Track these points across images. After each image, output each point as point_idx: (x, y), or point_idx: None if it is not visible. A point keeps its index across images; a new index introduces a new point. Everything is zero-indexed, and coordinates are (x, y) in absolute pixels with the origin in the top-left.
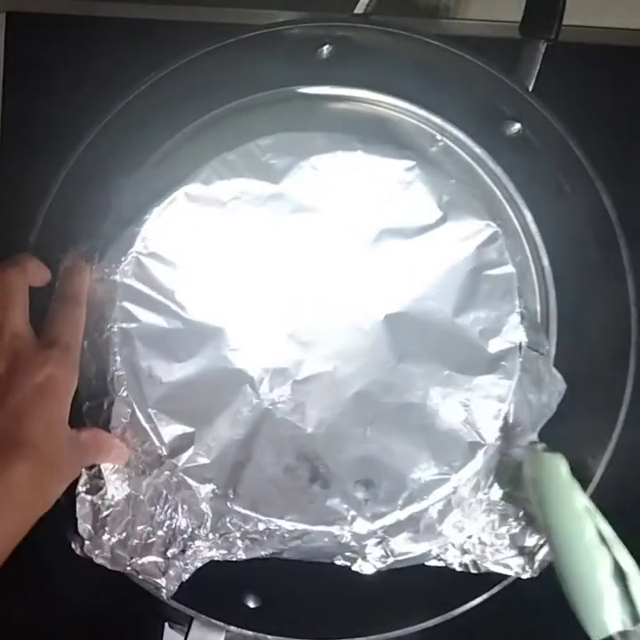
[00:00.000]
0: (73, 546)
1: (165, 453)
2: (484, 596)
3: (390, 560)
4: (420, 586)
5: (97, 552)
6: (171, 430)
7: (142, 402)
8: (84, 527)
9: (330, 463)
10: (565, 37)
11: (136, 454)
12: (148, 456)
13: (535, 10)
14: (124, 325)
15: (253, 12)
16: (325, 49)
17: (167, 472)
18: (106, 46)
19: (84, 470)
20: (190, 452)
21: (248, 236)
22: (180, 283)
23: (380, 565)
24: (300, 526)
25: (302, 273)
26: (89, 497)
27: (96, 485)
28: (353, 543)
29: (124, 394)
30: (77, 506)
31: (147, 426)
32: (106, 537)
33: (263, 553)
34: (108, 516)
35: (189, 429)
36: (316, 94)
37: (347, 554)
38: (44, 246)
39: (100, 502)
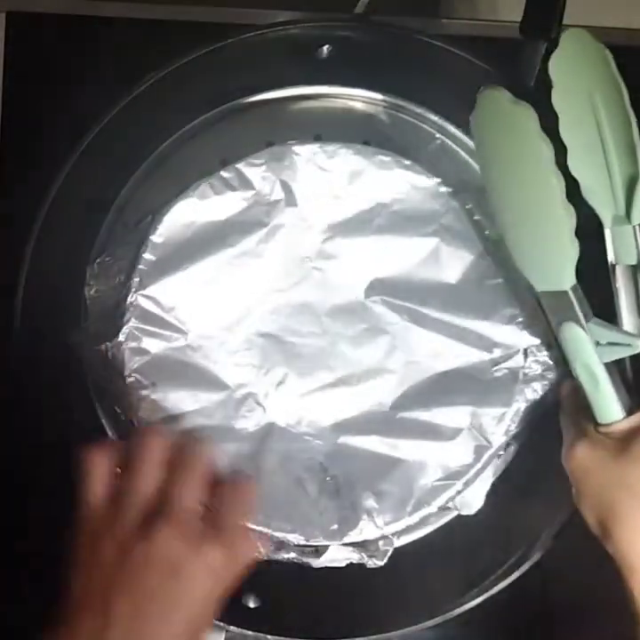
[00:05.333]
0: None
1: None
2: (484, 596)
3: (393, 545)
4: (420, 586)
5: None
6: None
7: (146, 419)
8: None
9: (338, 474)
10: None
11: None
12: None
13: (535, 10)
14: (131, 344)
15: (253, 12)
16: (325, 49)
17: None
18: (106, 46)
19: None
20: None
21: (247, 250)
22: (182, 300)
23: (387, 554)
24: (313, 542)
25: (303, 288)
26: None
27: None
28: (365, 548)
29: (130, 411)
30: None
31: None
32: None
33: (285, 556)
34: None
35: None
36: (316, 94)
37: (360, 555)
38: (44, 246)
39: None
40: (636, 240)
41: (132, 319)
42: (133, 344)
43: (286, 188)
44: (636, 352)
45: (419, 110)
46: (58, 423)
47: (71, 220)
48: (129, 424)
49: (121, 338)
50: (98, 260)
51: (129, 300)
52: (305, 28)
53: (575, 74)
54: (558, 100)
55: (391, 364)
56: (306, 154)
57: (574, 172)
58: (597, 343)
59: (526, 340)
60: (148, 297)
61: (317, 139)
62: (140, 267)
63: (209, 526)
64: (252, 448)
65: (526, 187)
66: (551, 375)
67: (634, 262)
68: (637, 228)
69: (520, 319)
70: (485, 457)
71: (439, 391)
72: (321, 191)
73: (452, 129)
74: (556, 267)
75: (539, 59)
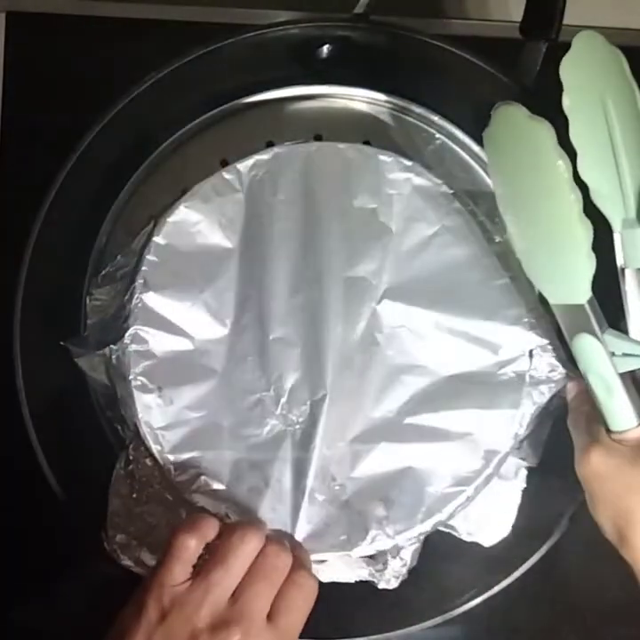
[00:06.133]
0: (105, 545)
1: (174, 477)
2: (485, 596)
3: (407, 566)
4: (421, 585)
5: (124, 554)
6: (182, 454)
7: (151, 424)
8: (114, 525)
9: (347, 483)
10: (565, 37)
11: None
12: (162, 480)
13: (535, 10)
14: (136, 347)
15: (253, 12)
16: (325, 49)
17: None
18: (106, 46)
19: (117, 466)
20: (202, 476)
21: (251, 251)
22: (187, 302)
23: (401, 576)
24: (318, 557)
25: (305, 290)
26: (120, 499)
27: (129, 485)
28: (375, 560)
29: (134, 415)
30: (109, 504)
31: (155, 449)
32: (134, 541)
33: None
34: (138, 516)
35: (201, 453)
36: (316, 94)
37: (370, 570)
38: (44, 246)
39: (132, 504)
40: None
41: (137, 321)
42: (138, 347)
43: (288, 188)
44: None
45: (419, 110)
46: (59, 428)
47: (71, 220)
48: (133, 428)
49: (126, 340)
50: (103, 273)
51: (134, 302)
52: (305, 27)
53: (586, 77)
54: (569, 103)
55: (396, 368)
56: (307, 154)
57: (584, 176)
58: (612, 354)
59: (532, 340)
60: (152, 299)
61: (318, 138)
62: (144, 269)
63: (272, 627)
64: (259, 456)
65: (543, 202)
66: (558, 377)
67: None
68: None
69: (525, 320)
70: (495, 461)
71: (446, 395)
72: (322, 191)
73: (452, 129)
74: (572, 281)
75: (539, 59)
